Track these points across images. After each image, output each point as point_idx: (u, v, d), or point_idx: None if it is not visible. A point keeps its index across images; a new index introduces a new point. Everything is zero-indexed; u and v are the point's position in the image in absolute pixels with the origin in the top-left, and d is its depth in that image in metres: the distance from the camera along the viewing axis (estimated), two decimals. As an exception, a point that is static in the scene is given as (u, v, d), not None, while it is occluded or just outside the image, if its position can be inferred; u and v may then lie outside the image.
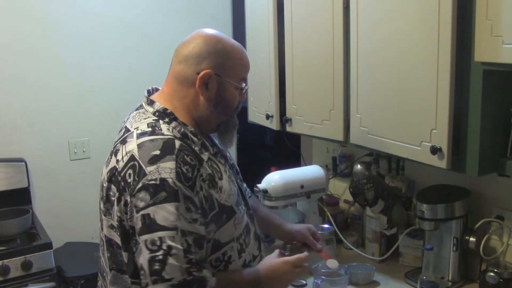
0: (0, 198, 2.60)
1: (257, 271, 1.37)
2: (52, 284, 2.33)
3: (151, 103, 1.38)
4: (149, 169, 1.22)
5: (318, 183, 2.08)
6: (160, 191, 1.20)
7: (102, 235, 1.36)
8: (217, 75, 1.34)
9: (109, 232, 1.32)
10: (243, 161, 3.39)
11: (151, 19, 3.06)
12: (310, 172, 2.12)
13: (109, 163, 1.34)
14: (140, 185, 1.21)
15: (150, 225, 1.19)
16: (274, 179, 2.00)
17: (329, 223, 2.10)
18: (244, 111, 2.69)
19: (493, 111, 1.48)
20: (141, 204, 1.21)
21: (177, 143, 1.27)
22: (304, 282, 1.91)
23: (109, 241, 1.33)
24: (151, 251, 1.18)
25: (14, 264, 2.24)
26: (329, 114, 1.98)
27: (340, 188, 2.53)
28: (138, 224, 1.21)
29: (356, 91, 1.83)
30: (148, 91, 1.44)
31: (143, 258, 1.19)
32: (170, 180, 1.21)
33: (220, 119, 1.40)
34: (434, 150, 1.52)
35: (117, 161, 1.30)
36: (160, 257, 1.17)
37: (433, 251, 1.79)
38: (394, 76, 1.66)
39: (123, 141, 1.32)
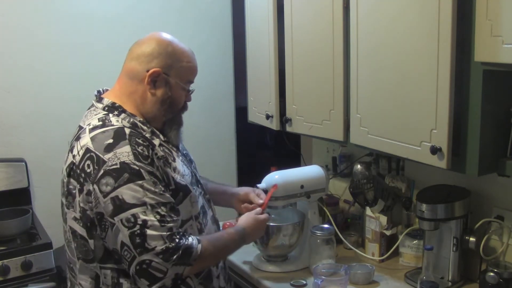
0: (0, 198, 2.60)
1: (242, 226, 1.60)
2: (52, 284, 2.32)
3: (100, 100, 1.51)
4: (107, 156, 1.34)
5: (318, 183, 2.08)
6: (122, 174, 1.32)
7: (67, 228, 1.46)
8: (165, 74, 1.47)
9: (73, 224, 1.43)
10: (243, 161, 3.38)
11: (151, 20, 3.05)
12: (310, 172, 2.12)
13: (66, 160, 1.45)
14: (101, 172, 1.33)
15: (121, 205, 1.31)
16: (274, 179, 2.00)
17: (329, 223, 2.10)
18: (244, 111, 2.69)
19: (493, 111, 1.48)
20: (107, 188, 1.32)
21: (127, 130, 1.39)
22: (304, 282, 1.91)
23: (74, 232, 1.44)
24: (128, 228, 1.30)
25: (14, 264, 2.24)
26: (329, 114, 1.98)
27: (340, 188, 2.53)
28: (109, 207, 1.32)
29: (356, 91, 1.83)
30: (99, 91, 1.57)
31: (123, 235, 1.31)
32: (129, 162, 1.33)
33: (166, 116, 1.51)
34: (434, 150, 1.52)
35: (74, 156, 1.42)
36: (138, 231, 1.29)
37: (433, 251, 1.79)
38: (394, 76, 1.66)
39: (77, 138, 1.44)
